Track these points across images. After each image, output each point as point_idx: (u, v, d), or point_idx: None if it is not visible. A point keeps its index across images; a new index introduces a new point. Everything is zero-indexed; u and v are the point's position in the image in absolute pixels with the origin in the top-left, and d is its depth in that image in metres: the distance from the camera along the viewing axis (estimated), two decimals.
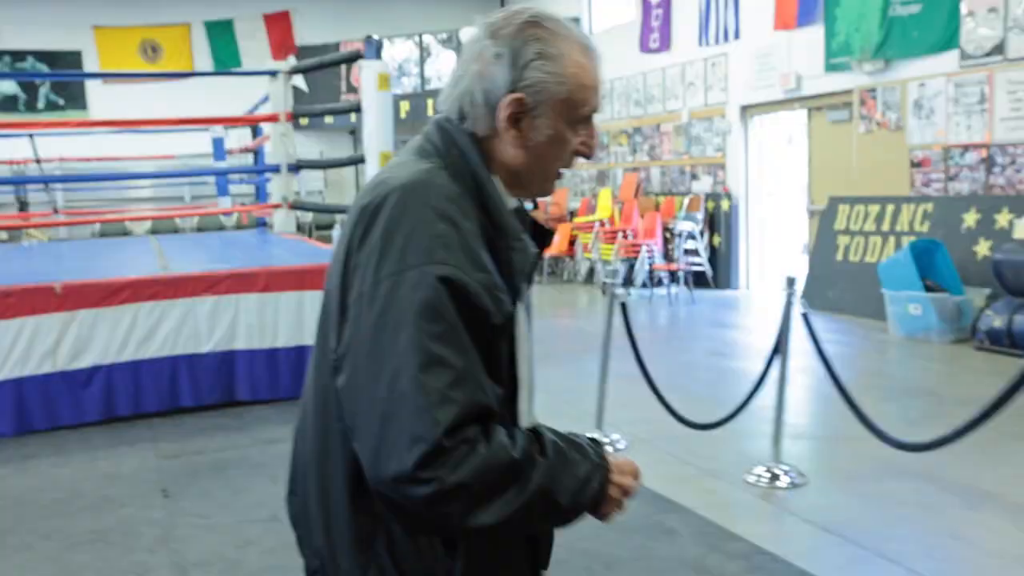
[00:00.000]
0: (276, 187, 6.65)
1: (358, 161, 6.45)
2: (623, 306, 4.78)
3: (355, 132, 14.78)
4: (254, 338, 6.02)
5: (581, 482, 1.23)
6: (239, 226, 13.77)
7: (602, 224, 11.77)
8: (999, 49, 7.50)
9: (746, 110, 10.72)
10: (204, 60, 15.17)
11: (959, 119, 7.94)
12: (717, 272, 11.06)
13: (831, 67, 9.20)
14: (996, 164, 7.64)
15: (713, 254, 11.12)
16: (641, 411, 5.15)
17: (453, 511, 1.13)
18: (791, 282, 4.21)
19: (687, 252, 10.88)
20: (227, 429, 5.54)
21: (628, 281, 11.02)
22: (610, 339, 5.00)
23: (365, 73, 6.09)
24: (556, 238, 12.45)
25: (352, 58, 6.21)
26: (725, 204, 10.94)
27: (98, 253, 8.61)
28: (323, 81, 14.90)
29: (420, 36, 15.22)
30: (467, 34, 1.17)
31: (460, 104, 1.32)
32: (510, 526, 1.18)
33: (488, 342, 1.21)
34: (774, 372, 4.26)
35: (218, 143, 10.61)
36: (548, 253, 12.36)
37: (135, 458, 5.05)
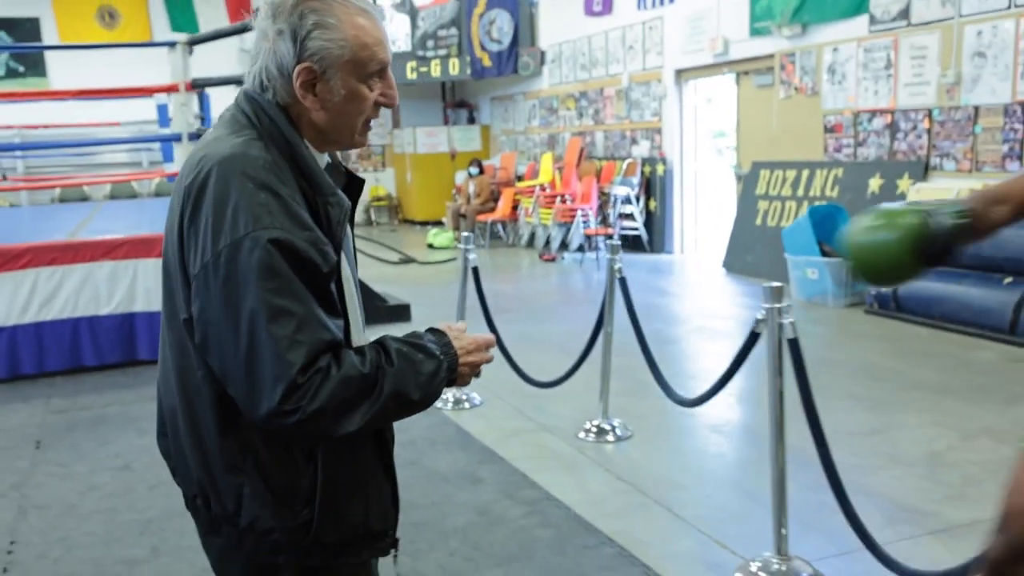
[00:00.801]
0: (179, 155, 6.87)
1: None
2: (475, 271, 5.02)
3: None
4: (153, 301, 6.28)
5: (428, 377, 1.45)
6: None
7: (543, 189, 11.97)
8: (904, 14, 7.64)
9: (680, 74, 10.87)
10: (162, 25, 15.29)
11: (868, 84, 8.11)
12: (652, 237, 11.28)
13: (755, 31, 9.33)
14: (900, 130, 7.82)
15: (649, 219, 11.33)
16: (507, 371, 5.40)
17: (321, 427, 1.36)
18: (615, 249, 4.44)
19: (622, 216, 11.10)
20: (119, 387, 5.82)
21: (563, 245, 11.26)
22: (464, 301, 5.28)
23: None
24: (500, 203, 12.68)
25: (243, 29, 6.41)
26: (660, 169, 11.12)
27: (32, 219, 8.89)
28: None
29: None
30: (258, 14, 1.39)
31: (260, 79, 1.48)
32: (375, 425, 1.43)
33: (321, 288, 1.40)
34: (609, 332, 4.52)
35: (162, 109, 10.82)
36: (491, 217, 12.61)
37: (25, 413, 5.34)
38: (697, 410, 4.55)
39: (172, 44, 6.60)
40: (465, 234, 5.22)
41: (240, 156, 1.40)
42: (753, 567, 3.16)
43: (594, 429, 4.59)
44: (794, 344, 3.05)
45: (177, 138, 6.63)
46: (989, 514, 1.93)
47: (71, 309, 6.12)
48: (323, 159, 1.57)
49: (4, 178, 12.38)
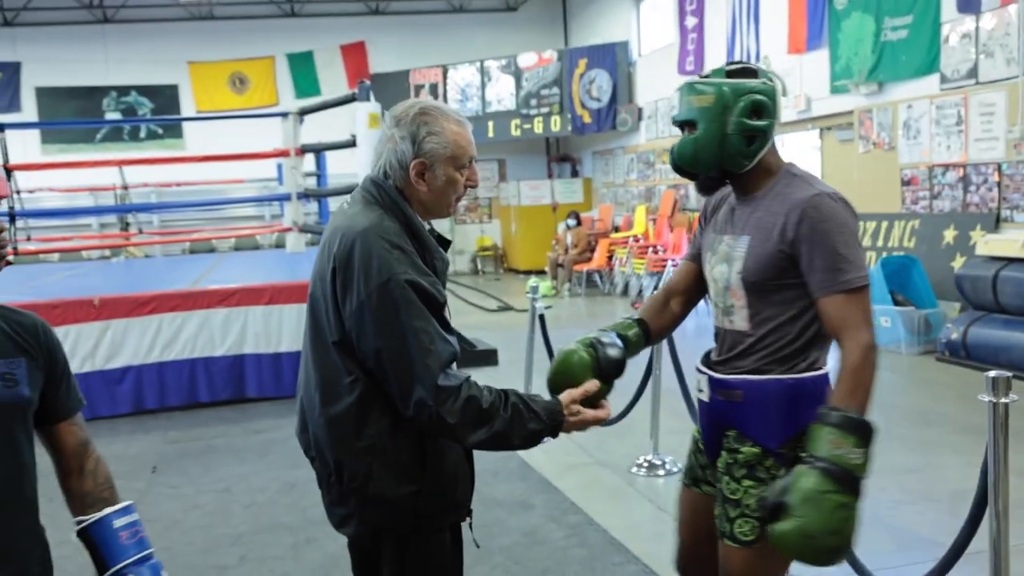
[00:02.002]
0: (288, 213, 7.60)
1: (352, 190, 7.33)
2: (541, 318, 5.49)
3: None
4: (261, 343, 6.98)
5: (531, 434, 1.96)
6: (313, 243, 14.91)
7: (636, 239, 12.36)
8: (972, 73, 7.81)
9: None
10: (287, 90, 16.51)
11: (940, 139, 8.26)
12: None
13: (835, 89, 9.60)
14: (972, 183, 7.93)
15: None
16: None
17: (447, 427, 1.87)
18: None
19: None
20: (228, 421, 6.51)
21: None
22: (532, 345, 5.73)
23: (359, 114, 6.97)
24: (596, 253, 13.13)
25: (348, 100, 7.11)
26: None
27: (162, 269, 9.84)
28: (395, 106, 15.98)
29: (482, 62, 16.12)
30: (393, 113, 2.04)
31: (384, 168, 2.04)
32: (479, 446, 1.93)
33: (439, 316, 1.94)
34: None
35: (280, 168, 11.76)
36: (587, 267, 13.05)
37: (145, 443, 6.06)
38: None
39: (285, 115, 7.36)
40: (532, 284, 5.69)
41: (375, 226, 1.94)
42: None
43: (646, 464, 4.94)
44: None
45: (287, 197, 7.37)
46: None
47: (189, 351, 6.86)
48: (426, 225, 2.11)
49: (140, 231, 13.60)
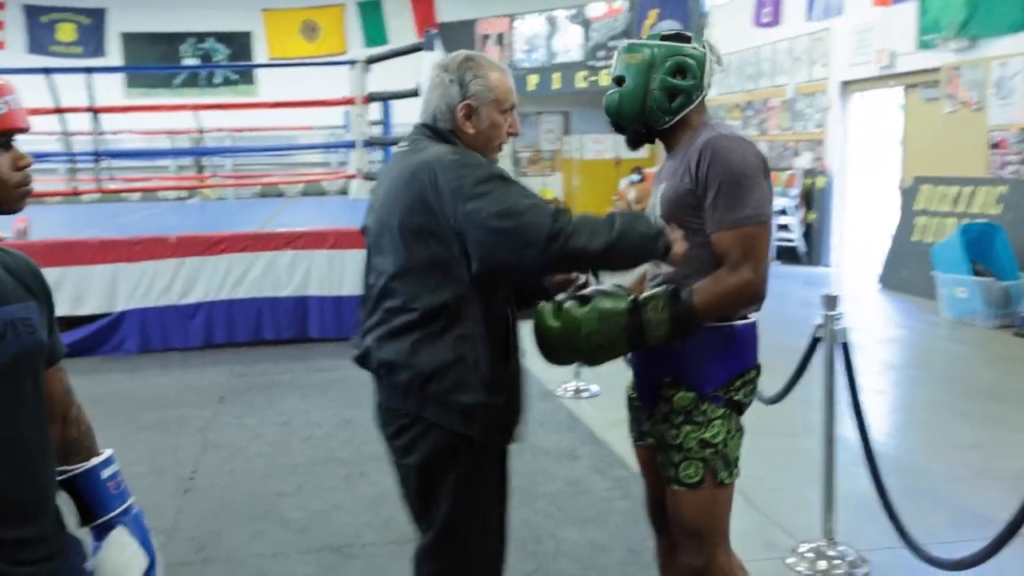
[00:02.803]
0: (353, 160, 7.72)
1: None
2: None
3: None
4: (324, 286, 7.15)
5: (648, 227, 2.06)
6: None
7: None
8: None
9: (846, 86, 10.85)
10: (356, 38, 16.61)
11: None
12: (810, 249, 11.31)
13: (923, 44, 9.21)
14: None
15: (808, 231, 11.37)
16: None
17: (582, 242, 1.95)
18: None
19: (779, 227, 11.19)
20: (291, 359, 6.71)
21: None
22: None
23: (424, 63, 7.01)
24: None
25: (414, 49, 7.16)
26: (821, 181, 11.14)
27: (234, 211, 10.11)
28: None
29: (550, 12, 15.95)
30: (438, 63, 2.20)
31: (434, 113, 2.17)
32: (616, 252, 1.99)
33: None
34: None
35: (348, 115, 11.89)
36: None
37: (214, 374, 6.29)
38: (788, 410, 4.83)
39: (352, 63, 7.44)
40: None
41: (446, 150, 2.09)
42: (803, 548, 3.48)
43: None
44: (845, 348, 3.36)
45: (352, 145, 7.47)
46: None
47: (256, 290, 7.07)
48: None
49: (214, 175, 13.94)
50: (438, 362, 2.05)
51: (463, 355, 2.05)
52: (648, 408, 2.36)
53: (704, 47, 2.28)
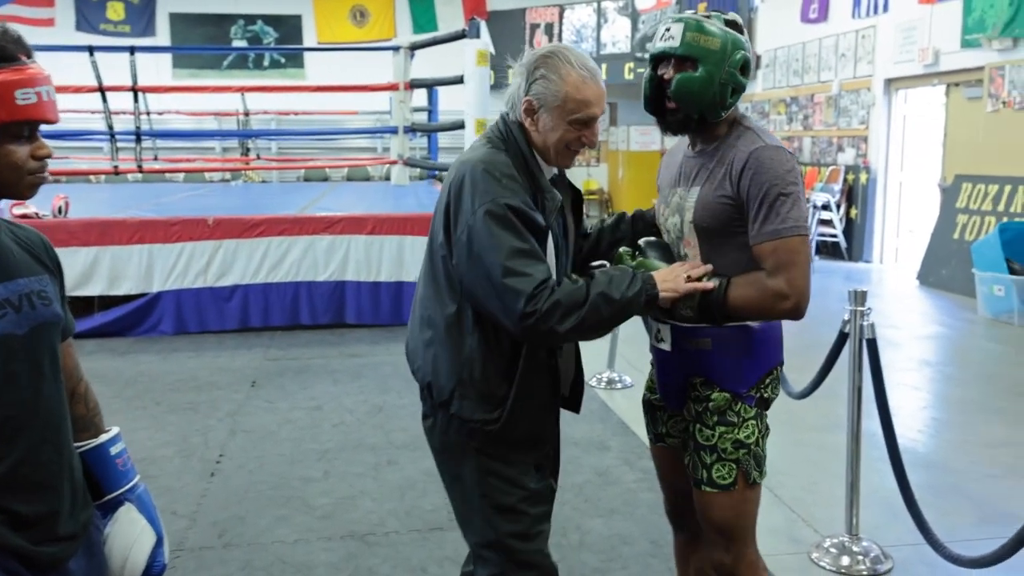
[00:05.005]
0: (394, 146, 7.76)
1: (459, 126, 7.44)
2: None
3: None
4: (361, 272, 7.21)
5: (627, 284, 1.99)
6: (421, 177, 15.13)
7: None
8: None
9: (890, 83, 10.70)
10: (406, 24, 16.64)
11: None
12: (851, 245, 11.18)
13: (967, 43, 9.10)
14: None
15: (849, 226, 11.23)
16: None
17: (552, 324, 1.90)
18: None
19: (821, 223, 11.08)
20: (325, 344, 6.79)
21: None
22: None
23: (467, 51, 7.03)
24: None
25: (458, 36, 7.17)
26: (864, 177, 11.00)
27: (276, 194, 10.21)
28: (513, 46, 15.96)
29: (599, 3, 15.88)
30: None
31: (512, 101, 2.10)
32: (587, 326, 1.95)
33: (539, 240, 1.99)
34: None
35: (392, 101, 11.95)
36: None
37: (248, 358, 6.39)
38: (817, 405, 4.81)
39: (396, 49, 7.47)
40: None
41: (485, 158, 2.04)
42: (827, 543, 3.50)
43: None
44: (872, 344, 3.34)
45: (394, 131, 7.52)
46: None
47: (294, 274, 7.15)
48: (551, 171, 2.16)
49: (258, 157, 14.08)
50: (444, 373, 2.09)
51: (463, 369, 2.06)
52: (673, 410, 2.38)
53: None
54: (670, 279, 2.09)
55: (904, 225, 10.87)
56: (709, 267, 2.16)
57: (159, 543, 1.79)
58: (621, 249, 2.27)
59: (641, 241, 2.28)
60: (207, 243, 7.06)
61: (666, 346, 2.30)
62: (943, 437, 4.86)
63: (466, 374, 2.05)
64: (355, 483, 4.13)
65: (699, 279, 2.14)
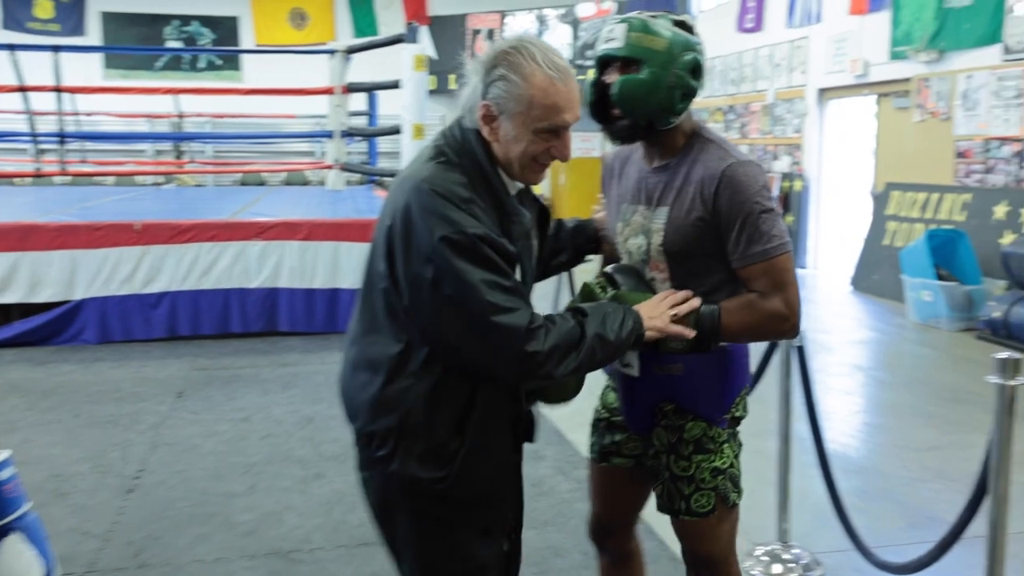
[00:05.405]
0: (331, 150, 7.64)
1: (396, 131, 7.36)
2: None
3: None
4: (295, 278, 7.06)
5: (620, 322, 1.83)
6: (361, 182, 14.95)
7: None
8: None
9: (823, 93, 10.89)
10: (346, 28, 16.46)
11: (999, 112, 7.99)
12: None
13: (895, 55, 9.29)
14: None
15: None
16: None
17: (550, 368, 1.72)
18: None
19: None
20: (256, 353, 6.63)
21: None
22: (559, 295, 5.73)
23: (404, 55, 6.95)
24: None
25: (395, 41, 7.10)
26: (798, 185, 11.17)
27: (209, 199, 9.98)
28: (454, 51, 15.87)
29: (540, 10, 15.91)
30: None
31: (466, 105, 1.79)
32: (583, 369, 1.79)
33: (511, 268, 1.72)
34: None
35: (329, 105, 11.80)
36: None
37: (175, 368, 6.21)
38: (751, 411, 4.82)
39: (332, 52, 7.36)
40: None
41: (433, 177, 1.73)
42: (758, 551, 3.50)
43: None
44: (800, 351, 3.35)
45: (329, 135, 7.39)
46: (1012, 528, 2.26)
47: (225, 281, 6.97)
48: (515, 186, 1.86)
49: (192, 160, 13.79)
50: (384, 422, 1.82)
51: (405, 417, 1.79)
52: (637, 434, 2.26)
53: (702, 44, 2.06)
54: (656, 316, 1.92)
55: (838, 232, 11.05)
56: (696, 302, 1.99)
57: (48, 575, 1.69)
58: (591, 281, 2.11)
59: (609, 268, 2.12)
60: (133, 249, 6.85)
61: (634, 371, 2.14)
62: (875, 441, 4.92)
63: (411, 424, 1.77)
64: (281, 498, 4.02)
65: (686, 315, 1.98)
